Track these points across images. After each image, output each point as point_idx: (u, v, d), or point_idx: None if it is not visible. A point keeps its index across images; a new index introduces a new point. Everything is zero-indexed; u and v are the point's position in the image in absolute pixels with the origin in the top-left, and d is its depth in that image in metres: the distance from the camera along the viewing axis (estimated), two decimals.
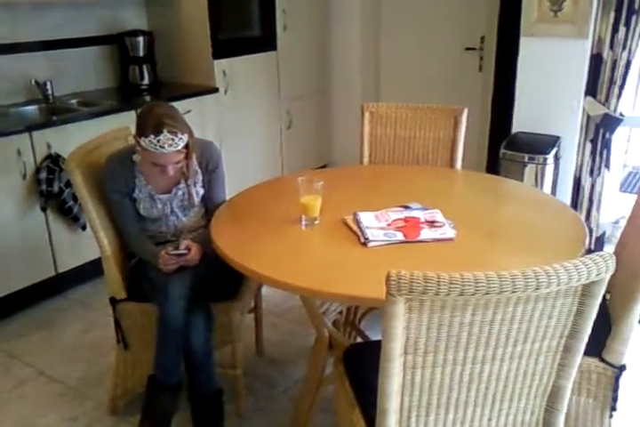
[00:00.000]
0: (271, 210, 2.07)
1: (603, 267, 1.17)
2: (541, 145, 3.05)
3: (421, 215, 1.92)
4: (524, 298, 1.18)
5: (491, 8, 3.57)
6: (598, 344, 1.72)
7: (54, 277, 3.03)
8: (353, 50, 4.27)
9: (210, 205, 2.16)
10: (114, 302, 2.10)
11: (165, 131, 1.85)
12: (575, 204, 3.27)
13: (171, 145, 1.88)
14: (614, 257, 1.18)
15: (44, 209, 2.85)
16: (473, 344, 1.23)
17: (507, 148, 3.06)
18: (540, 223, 1.95)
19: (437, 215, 1.91)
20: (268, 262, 1.68)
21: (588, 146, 3.15)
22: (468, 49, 3.87)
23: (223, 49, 3.55)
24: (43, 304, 3.01)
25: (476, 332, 1.21)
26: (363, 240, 1.78)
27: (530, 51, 3.11)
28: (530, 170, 3.02)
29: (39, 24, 3.24)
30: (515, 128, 3.24)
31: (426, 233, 1.82)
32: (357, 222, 1.88)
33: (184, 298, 1.93)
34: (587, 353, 1.34)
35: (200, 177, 2.12)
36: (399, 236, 1.80)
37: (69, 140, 2.69)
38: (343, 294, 1.54)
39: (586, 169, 3.19)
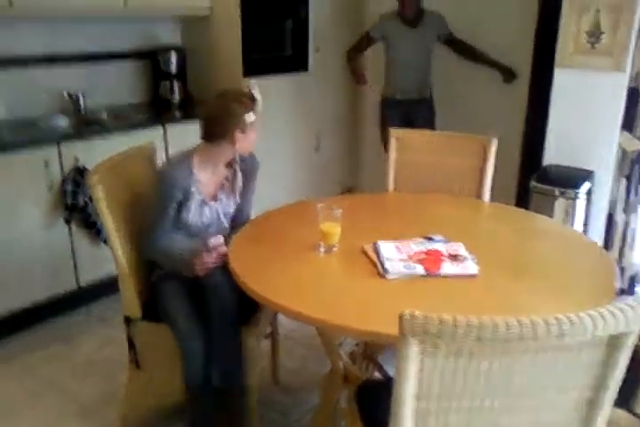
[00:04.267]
0: (291, 234, 2.03)
1: (632, 318, 1.10)
2: (573, 179, 2.97)
3: (444, 248, 1.86)
4: (546, 346, 1.11)
5: (526, 37, 3.51)
6: (628, 394, 1.64)
7: (76, 290, 3.03)
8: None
9: (236, 220, 2.17)
10: (128, 321, 2.08)
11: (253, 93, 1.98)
12: (607, 241, 3.16)
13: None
14: None
15: (68, 222, 2.86)
16: (490, 393, 1.17)
17: (537, 180, 2.99)
18: (569, 263, 1.87)
19: (460, 249, 1.85)
20: (282, 290, 1.64)
21: (623, 182, 3.06)
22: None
23: (254, 68, 3.55)
24: (62, 317, 3.01)
25: (493, 380, 1.15)
26: (381, 271, 1.73)
27: (565, 82, 3.04)
28: (560, 204, 2.94)
29: (76, 37, 3.30)
30: (546, 161, 3.16)
31: (447, 267, 1.76)
32: (377, 252, 1.83)
33: (200, 339, 1.92)
34: (615, 404, 1.26)
35: (240, 183, 2.15)
36: (419, 269, 1.74)
37: (97, 153, 2.68)
38: (358, 328, 1.48)
39: (620, 205, 3.09)
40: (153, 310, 2.08)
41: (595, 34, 2.93)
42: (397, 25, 3.74)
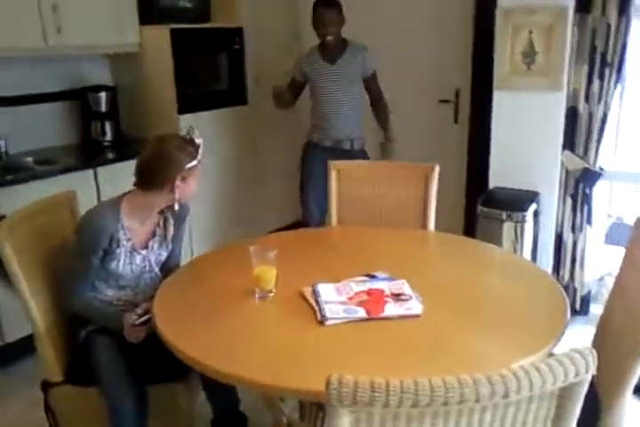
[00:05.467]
0: (226, 280, 1.88)
1: (582, 366, 0.99)
2: (520, 201, 2.91)
3: (386, 287, 1.74)
4: (492, 405, 0.99)
5: (464, 60, 3.50)
6: (587, 424, 1.53)
7: (1, 347, 2.80)
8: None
9: (166, 266, 2.03)
10: (46, 385, 1.89)
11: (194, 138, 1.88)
12: (558, 262, 3.11)
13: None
14: (595, 353, 1.01)
15: None
16: None
17: (483, 204, 2.92)
18: (517, 295, 1.77)
19: (404, 287, 1.74)
20: (211, 348, 1.49)
21: (569, 201, 3.02)
22: (442, 101, 3.79)
23: (189, 103, 3.43)
24: None
25: None
26: (320, 318, 1.60)
27: (504, 104, 3.01)
28: (508, 227, 2.87)
29: None
30: (492, 183, 3.11)
31: (390, 308, 1.64)
32: (315, 296, 1.70)
33: (133, 401, 1.76)
34: None
35: (172, 230, 2.01)
36: (361, 312, 1.62)
37: (21, 200, 2.47)
38: (294, 388, 1.34)
39: (567, 225, 3.05)
40: (78, 371, 1.89)
41: (529, 54, 2.92)
42: (317, 60, 3.26)
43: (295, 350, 1.49)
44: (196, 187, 1.93)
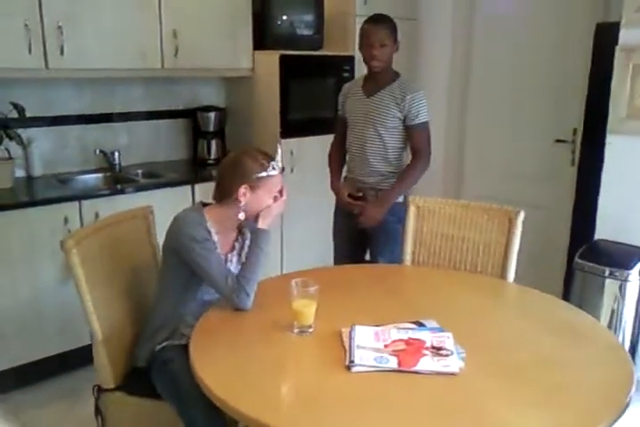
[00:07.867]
0: (278, 308, 1.83)
1: None
2: (625, 257, 2.62)
3: (429, 338, 1.63)
4: None
5: (582, 97, 3.25)
6: None
7: (89, 345, 2.97)
8: (436, 138, 4.07)
9: None
10: (99, 390, 1.96)
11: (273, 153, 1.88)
12: None
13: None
14: None
15: None
16: None
17: (582, 257, 2.66)
18: (576, 365, 1.57)
19: (447, 341, 1.61)
20: (230, 381, 1.47)
21: None
22: (558, 141, 3.54)
23: (292, 129, 3.49)
24: (73, 373, 2.93)
25: None
26: (347, 363, 1.52)
27: (618, 149, 2.74)
28: (610, 286, 2.59)
29: (117, 97, 3.39)
30: (597, 235, 2.83)
31: (425, 362, 1.52)
32: (350, 338, 1.62)
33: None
34: None
35: (245, 246, 1.97)
36: (392, 362, 1.52)
37: (119, 210, 2.68)
38: None
39: None
40: (135, 381, 1.95)
41: None
42: (357, 89, 2.73)
43: (312, 395, 1.43)
44: (273, 203, 1.88)
